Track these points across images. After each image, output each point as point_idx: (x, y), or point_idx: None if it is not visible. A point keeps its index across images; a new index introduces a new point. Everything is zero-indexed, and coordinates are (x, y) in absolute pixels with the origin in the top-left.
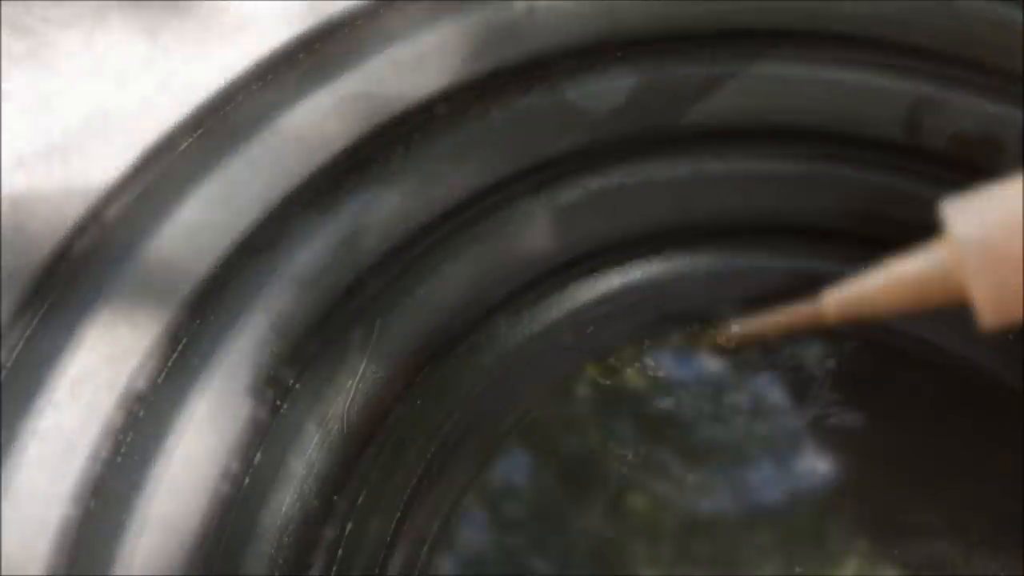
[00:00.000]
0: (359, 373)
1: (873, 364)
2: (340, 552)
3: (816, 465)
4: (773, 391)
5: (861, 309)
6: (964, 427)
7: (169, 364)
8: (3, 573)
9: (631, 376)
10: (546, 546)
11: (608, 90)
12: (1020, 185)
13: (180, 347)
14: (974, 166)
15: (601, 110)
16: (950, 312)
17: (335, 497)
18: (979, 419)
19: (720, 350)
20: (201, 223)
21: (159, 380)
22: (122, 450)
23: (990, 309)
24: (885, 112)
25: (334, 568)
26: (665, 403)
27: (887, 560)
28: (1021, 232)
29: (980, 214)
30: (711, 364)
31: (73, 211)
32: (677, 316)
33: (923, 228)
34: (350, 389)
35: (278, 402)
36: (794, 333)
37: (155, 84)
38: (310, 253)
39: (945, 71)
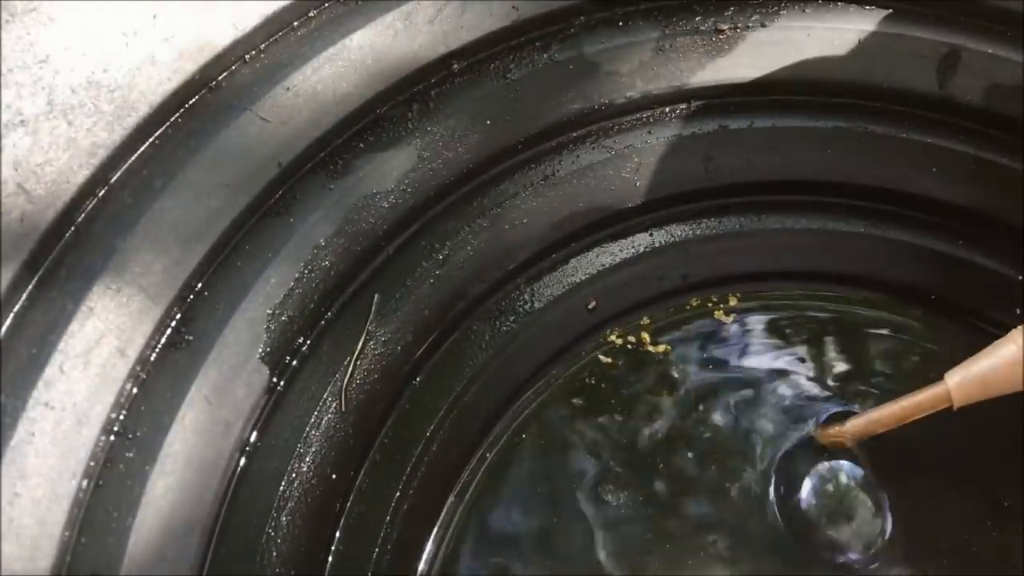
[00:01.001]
0: (376, 339)
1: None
2: (352, 520)
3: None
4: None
5: (993, 389)
6: None
7: (182, 331)
8: (17, 548)
9: (651, 345)
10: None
11: (630, 45)
12: None
13: (191, 313)
14: (1008, 120)
15: (624, 67)
16: None
17: (350, 470)
18: None
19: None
20: (211, 185)
21: (171, 348)
22: (134, 421)
23: None
24: (917, 64)
25: (345, 535)
26: (683, 373)
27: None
28: None
29: None
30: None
31: (78, 172)
32: (703, 283)
33: (954, 184)
34: (367, 355)
35: (294, 370)
36: (915, 418)
37: (161, 40)
38: (324, 216)
39: (978, 22)
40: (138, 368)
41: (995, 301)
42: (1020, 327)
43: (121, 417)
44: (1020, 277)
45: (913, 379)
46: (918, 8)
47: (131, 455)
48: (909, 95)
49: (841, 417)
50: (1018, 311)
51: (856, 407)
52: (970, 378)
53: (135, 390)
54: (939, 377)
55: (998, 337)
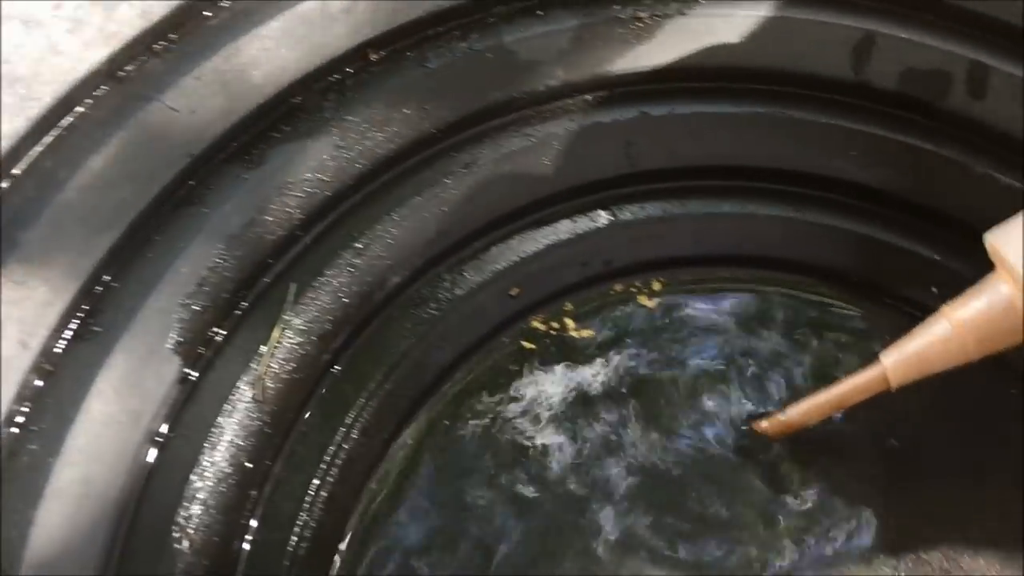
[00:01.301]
0: (293, 328)
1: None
2: (264, 510)
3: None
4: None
5: (929, 367)
6: None
7: (89, 323)
8: None
9: (574, 331)
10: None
11: (550, 33)
12: None
13: (99, 305)
14: (923, 104)
15: (543, 55)
16: None
17: (266, 459)
18: None
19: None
20: (118, 176)
21: (79, 341)
22: (38, 414)
23: None
24: (832, 50)
25: (261, 525)
26: (606, 358)
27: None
28: None
29: None
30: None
31: None
32: (626, 269)
33: (872, 167)
34: (284, 345)
35: (209, 360)
36: (853, 403)
37: (65, 31)
38: (238, 206)
39: (892, 7)
40: (43, 360)
41: (914, 282)
42: (948, 304)
43: (25, 409)
44: (937, 257)
45: (841, 363)
46: None
47: (35, 447)
48: (826, 80)
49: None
50: (934, 290)
51: (782, 392)
52: (905, 357)
53: (40, 382)
54: (869, 360)
55: (920, 318)
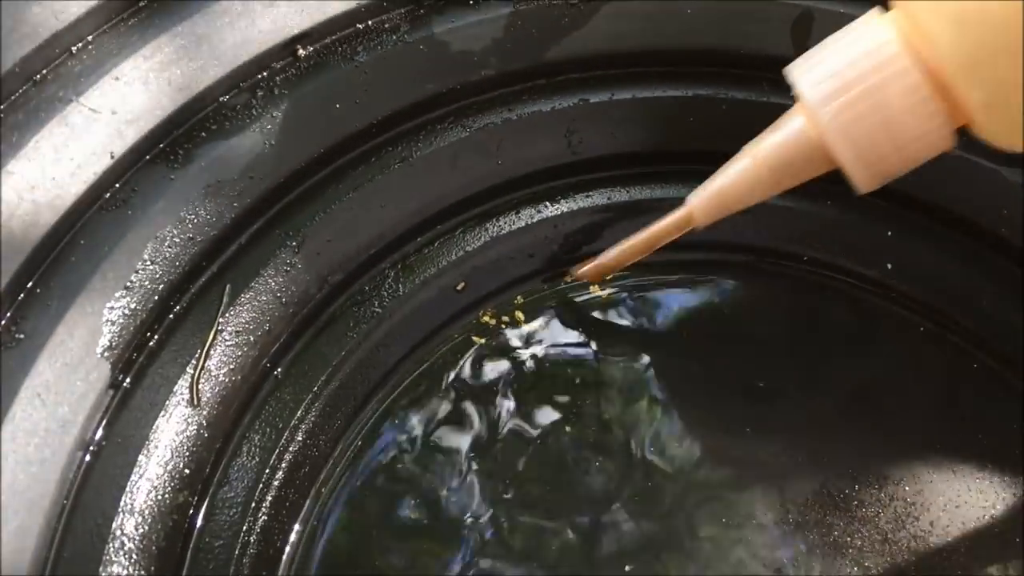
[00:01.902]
0: (229, 331)
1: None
2: (206, 517)
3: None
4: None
5: (730, 203)
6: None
7: (12, 330)
8: None
9: (525, 324)
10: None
11: (482, 23)
12: (860, 29)
13: (22, 312)
14: None
15: (477, 44)
16: None
17: (206, 464)
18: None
19: (596, 279)
20: (36, 179)
21: (1, 348)
22: None
23: (860, 168)
24: (772, 27)
25: (203, 533)
26: (559, 349)
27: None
28: (874, 79)
29: (826, 68)
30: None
31: None
32: (574, 258)
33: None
34: (220, 347)
35: (142, 365)
36: (663, 244)
37: None
38: (165, 208)
39: None
40: None
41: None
42: (748, 144)
43: None
44: (889, 234)
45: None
46: None
47: None
48: (767, 59)
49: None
50: (888, 266)
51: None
52: (708, 195)
53: None
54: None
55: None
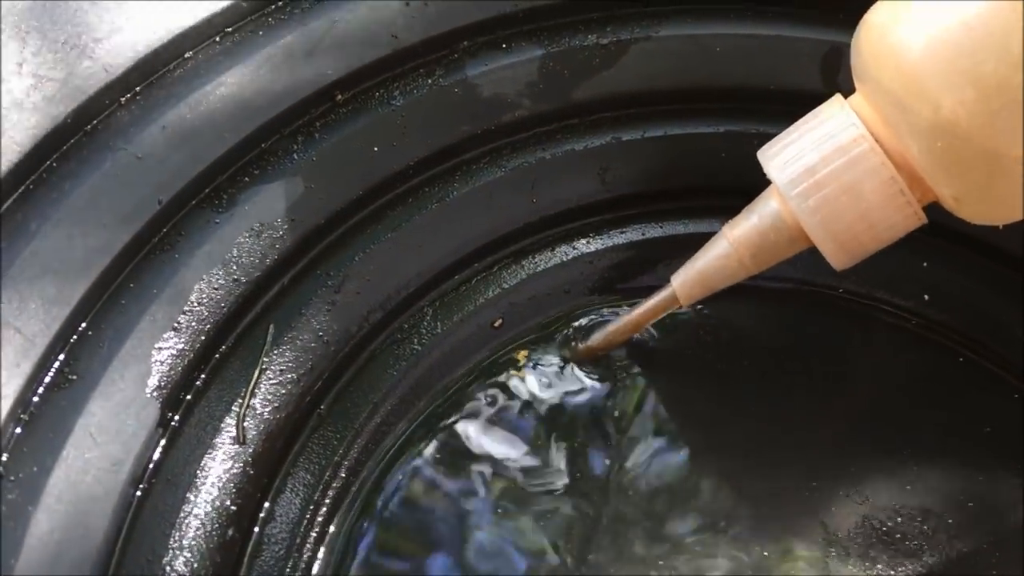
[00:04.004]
0: (273, 370)
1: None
2: (252, 554)
3: None
4: None
5: (713, 285)
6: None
7: (65, 371)
8: None
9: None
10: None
11: (515, 65)
12: (822, 111)
13: (75, 353)
14: None
15: (510, 87)
16: None
17: (251, 501)
18: None
19: (591, 360)
20: (88, 225)
21: (55, 389)
22: (16, 463)
23: (833, 247)
24: (800, 64)
25: (248, 568)
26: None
27: None
28: (849, 174)
29: (795, 153)
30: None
31: None
32: (611, 293)
33: None
34: (264, 386)
35: (189, 405)
36: (649, 322)
37: (29, 86)
38: (210, 251)
39: (853, 19)
40: (19, 410)
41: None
42: (728, 223)
43: (3, 459)
44: (925, 264)
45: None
46: (795, 10)
47: (13, 497)
48: (796, 94)
49: (586, 332)
50: (926, 297)
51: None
52: (691, 277)
53: (17, 431)
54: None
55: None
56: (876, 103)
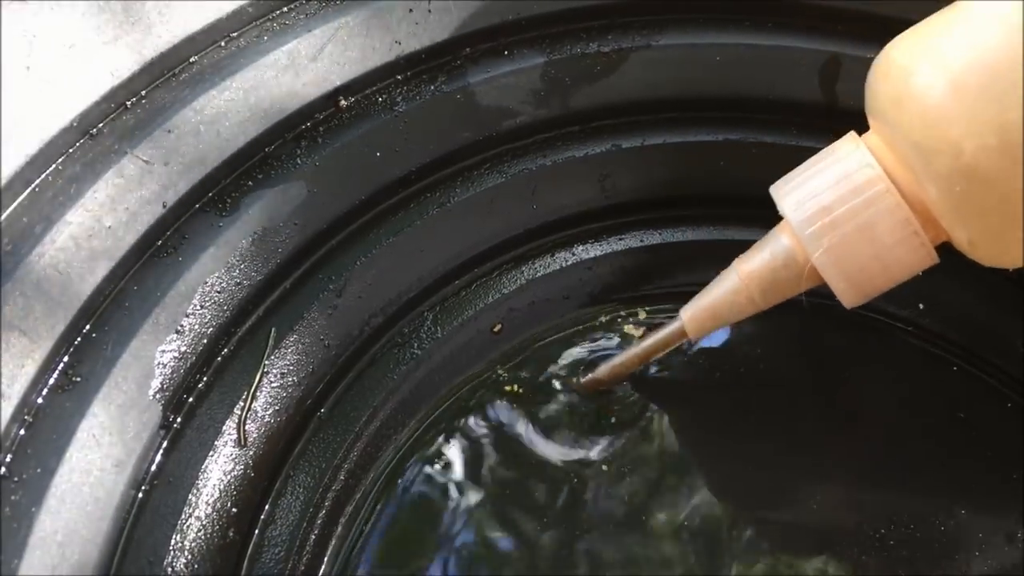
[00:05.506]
0: (273, 373)
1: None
2: (252, 555)
3: None
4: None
5: (723, 319)
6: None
7: (68, 373)
8: None
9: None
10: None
11: (517, 72)
12: (838, 149)
13: (78, 355)
14: None
15: (512, 94)
16: None
17: (252, 503)
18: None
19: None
20: (93, 228)
21: (57, 390)
22: (20, 464)
23: (846, 286)
24: (799, 74)
25: (249, 569)
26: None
27: None
28: (855, 204)
29: (810, 192)
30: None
31: None
32: (609, 299)
33: None
34: (266, 389)
35: (191, 407)
36: (657, 355)
37: (35, 90)
38: (214, 255)
39: (852, 29)
40: (24, 411)
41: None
42: (739, 257)
43: (6, 460)
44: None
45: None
46: (795, 20)
47: (16, 498)
48: (795, 104)
49: (593, 364)
50: (920, 307)
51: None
52: (700, 310)
53: (21, 432)
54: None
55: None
56: (893, 144)
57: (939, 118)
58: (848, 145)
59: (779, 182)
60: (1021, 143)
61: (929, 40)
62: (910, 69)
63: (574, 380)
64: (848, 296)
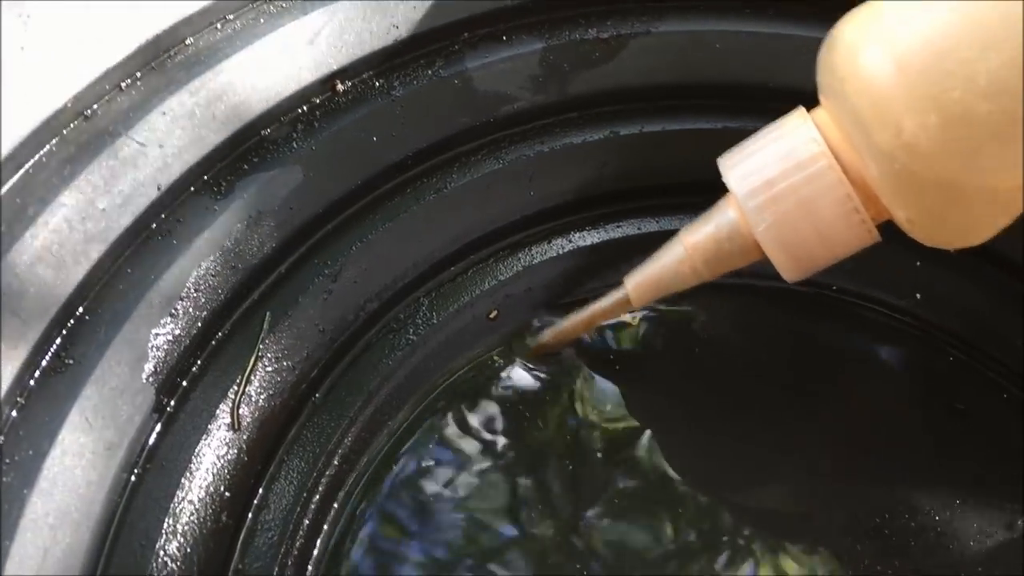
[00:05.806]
0: (268, 357)
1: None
2: (245, 539)
3: None
4: None
5: (666, 288)
6: None
7: (62, 356)
8: None
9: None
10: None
11: (515, 58)
12: (785, 123)
13: (72, 338)
14: None
15: (510, 79)
16: None
17: (245, 488)
18: None
19: (539, 357)
20: (86, 210)
21: (52, 373)
22: (12, 446)
23: (786, 260)
24: (799, 61)
25: (242, 553)
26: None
27: None
28: (798, 179)
29: (755, 165)
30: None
31: None
32: (606, 287)
33: None
34: (260, 373)
35: (185, 390)
36: (601, 322)
37: (29, 72)
38: (209, 238)
39: None
40: (16, 394)
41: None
42: (684, 228)
43: None
44: (919, 263)
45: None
46: (795, 8)
47: (9, 480)
48: (794, 91)
49: (537, 330)
50: (918, 296)
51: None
52: (644, 280)
53: (13, 414)
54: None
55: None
56: (839, 120)
57: (883, 95)
58: (796, 119)
59: (727, 153)
60: (960, 122)
61: (878, 17)
62: (858, 45)
63: (522, 343)
64: (788, 270)
